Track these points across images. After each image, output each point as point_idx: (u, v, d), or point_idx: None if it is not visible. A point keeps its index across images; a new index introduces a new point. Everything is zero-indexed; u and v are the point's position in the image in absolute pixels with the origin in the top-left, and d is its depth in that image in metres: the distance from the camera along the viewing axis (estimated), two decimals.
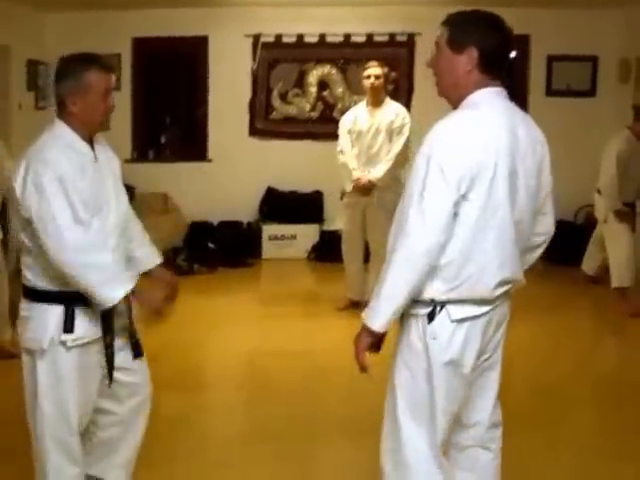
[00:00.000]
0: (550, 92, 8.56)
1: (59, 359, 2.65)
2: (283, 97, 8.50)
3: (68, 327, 2.63)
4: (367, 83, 6.03)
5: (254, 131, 8.44)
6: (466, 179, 2.24)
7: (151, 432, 2.99)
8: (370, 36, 8.44)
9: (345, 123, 6.17)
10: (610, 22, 8.29)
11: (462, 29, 2.39)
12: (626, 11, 8.09)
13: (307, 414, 4.11)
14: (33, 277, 2.66)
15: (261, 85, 8.48)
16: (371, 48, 8.34)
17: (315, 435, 3.77)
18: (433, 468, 2.42)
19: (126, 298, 2.61)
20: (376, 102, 6.07)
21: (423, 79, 8.27)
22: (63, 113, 2.68)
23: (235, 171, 8.36)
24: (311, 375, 4.84)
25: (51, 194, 2.52)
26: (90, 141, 2.72)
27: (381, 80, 6.04)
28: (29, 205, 2.53)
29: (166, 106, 8.59)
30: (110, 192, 2.73)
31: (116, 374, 2.75)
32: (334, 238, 7.15)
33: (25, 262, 2.69)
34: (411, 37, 8.39)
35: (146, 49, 8.32)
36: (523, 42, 8.43)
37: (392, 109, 6.12)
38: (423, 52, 8.31)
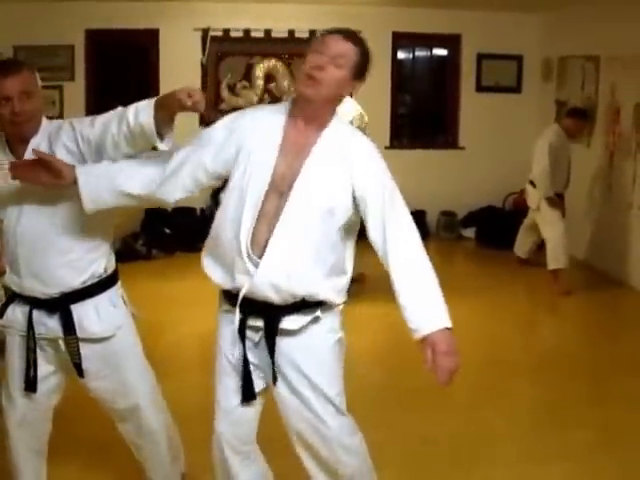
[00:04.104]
0: (480, 88, 8.99)
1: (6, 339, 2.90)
2: (232, 89, 8.84)
3: (1, 311, 2.86)
4: None
5: (204, 121, 8.75)
6: None
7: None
8: (313, 32, 8.85)
9: None
10: (533, 25, 8.87)
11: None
12: (546, 16, 8.66)
13: None
14: None
15: (210, 77, 8.80)
16: None
17: (277, 415, 3.39)
18: None
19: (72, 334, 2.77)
20: None
21: None
22: None
23: None
24: None
25: None
26: (24, 142, 2.68)
27: None
28: None
29: (119, 97, 8.75)
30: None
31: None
32: None
33: None
34: None
35: (99, 41, 8.50)
36: (455, 41, 8.97)
37: (351, 106, 6.19)
38: None
